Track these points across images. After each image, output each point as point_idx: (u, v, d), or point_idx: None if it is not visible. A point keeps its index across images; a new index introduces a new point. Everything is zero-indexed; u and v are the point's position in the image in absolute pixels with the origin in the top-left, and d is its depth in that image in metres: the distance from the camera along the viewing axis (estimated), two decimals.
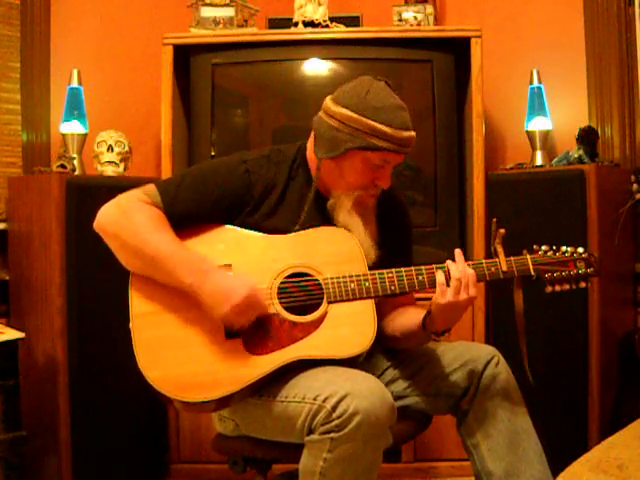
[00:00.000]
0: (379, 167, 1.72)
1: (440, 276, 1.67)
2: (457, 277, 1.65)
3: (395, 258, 1.80)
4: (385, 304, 1.83)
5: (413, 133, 1.71)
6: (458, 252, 1.71)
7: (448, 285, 1.66)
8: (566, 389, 2.56)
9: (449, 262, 1.69)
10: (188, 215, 1.71)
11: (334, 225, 1.76)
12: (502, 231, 1.75)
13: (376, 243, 1.77)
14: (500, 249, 1.74)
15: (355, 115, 1.68)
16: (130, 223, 1.66)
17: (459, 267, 1.67)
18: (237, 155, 1.81)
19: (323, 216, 1.77)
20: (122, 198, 1.71)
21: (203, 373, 1.61)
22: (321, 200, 1.78)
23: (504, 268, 1.72)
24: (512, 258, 1.74)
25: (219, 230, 1.74)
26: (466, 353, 1.79)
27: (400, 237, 1.90)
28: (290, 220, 1.75)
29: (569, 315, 2.55)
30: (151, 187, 1.73)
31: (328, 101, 1.76)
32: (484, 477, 1.74)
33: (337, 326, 1.66)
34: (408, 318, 1.79)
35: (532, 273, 1.74)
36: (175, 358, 1.61)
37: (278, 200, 1.76)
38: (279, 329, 1.66)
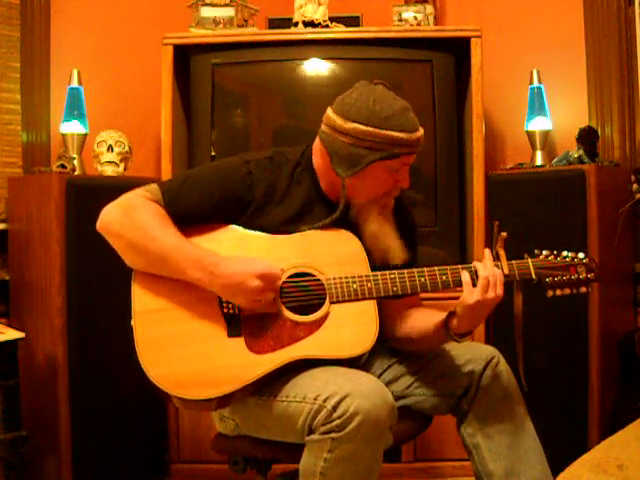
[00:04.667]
0: (398, 170, 1.73)
1: (466, 276, 1.67)
2: (485, 275, 1.65)
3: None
4: (394, 305, 1.82)
5: (422, 130, 1.73)
6: (487, 252, 1.72)
7: (474, 285, 1.66)
8: (566, 389, 2.56)
9: (476, 262, 1.70)
10: (190, 215, 1.71)
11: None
12: (504, 234, 1.74)
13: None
14: (502, 253, 1.74)
15: (370, 129, 1.67)
16: (133, 221, 1.66)
17: (487, 266, 1.68)
18: (239, 156, 1.81)
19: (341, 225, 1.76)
20: (123, 198, 1.71)
21: (204, 371, 1.60)
22: (331, 209, 1.77)
23: (506, 271, 1.71)
24: (514, 262, 1.74)
25: (222, 230, 1.74)
26: (466, 353, 1.79)
27: (406, 238, 1.89)
28: (293, 223, 1.75)
29: (569, 315, 2.54)
30: (153, 186, 1.74)
31: (333, 116, 1.72)
32: (484, 477, 1.74)
33: (339, 326, 1.66)
34: (425, 319, 1.78)
35: (533, 277, 1.74)
36: (177, 356, 1.61)
37: (280, 203, 1.76)
38: (281, 328, 1.66)
